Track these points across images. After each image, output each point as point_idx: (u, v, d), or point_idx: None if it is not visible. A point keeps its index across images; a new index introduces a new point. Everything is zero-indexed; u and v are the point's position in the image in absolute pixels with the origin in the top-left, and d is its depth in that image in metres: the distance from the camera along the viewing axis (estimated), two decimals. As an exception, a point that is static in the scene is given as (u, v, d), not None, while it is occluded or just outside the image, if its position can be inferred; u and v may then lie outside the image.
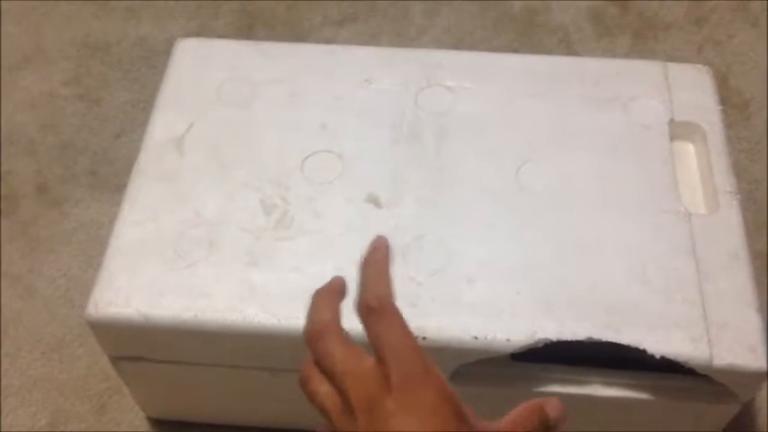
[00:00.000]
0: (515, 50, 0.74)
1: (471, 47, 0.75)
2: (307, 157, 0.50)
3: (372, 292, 0.30)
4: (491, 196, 0.48)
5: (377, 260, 0.32)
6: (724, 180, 0.49)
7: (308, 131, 0.51)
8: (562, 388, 0.45)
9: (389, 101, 0.53)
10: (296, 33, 0.76)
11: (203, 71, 0.54)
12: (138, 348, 0.46)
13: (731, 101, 0.70)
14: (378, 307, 0.30)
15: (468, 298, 0.44)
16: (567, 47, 0.75)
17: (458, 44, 0.75)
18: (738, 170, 0.50)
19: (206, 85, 0.53)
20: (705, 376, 0.43)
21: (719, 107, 0.52)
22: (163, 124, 0.51)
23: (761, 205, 0.64)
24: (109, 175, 0.67)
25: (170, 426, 0.54)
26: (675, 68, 0.54)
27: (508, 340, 0.43)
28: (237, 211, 0.47)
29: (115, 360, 0.47)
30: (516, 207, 0.48)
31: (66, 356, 0.58)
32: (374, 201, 0.48)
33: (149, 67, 0.74)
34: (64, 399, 0.56)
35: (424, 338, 0.43)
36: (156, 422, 0.54)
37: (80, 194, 0.66)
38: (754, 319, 0.43)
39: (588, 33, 0.76)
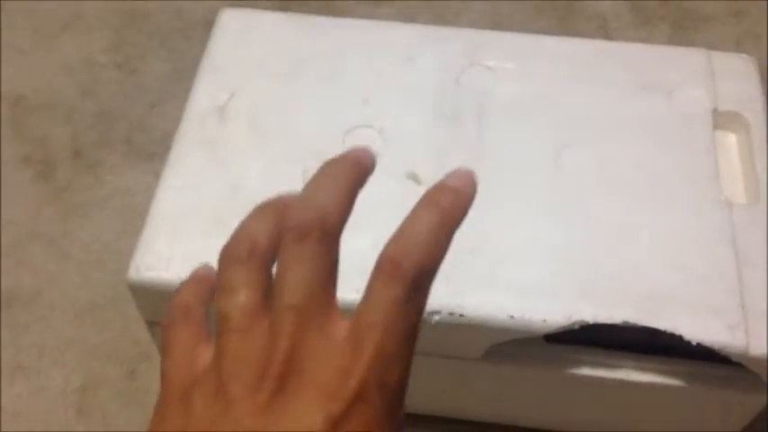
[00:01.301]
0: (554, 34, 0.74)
1: (509, 29, 0.75)
2: (348, 131, 0.50)
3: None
4: (530, 178, 0.48)
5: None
6: (766, 171, 0.48)
7: (349, 106, 0.51)
8: (594, 371, 0.46)
9: (431, 79, 0.52)
10: (331, 11, 0.76)
11: (246, 41, 0.54)
12: (176, 313, 0.46)
13: (770, 94, 0.70)
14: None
15: (506, 277, 0.44)
16: (606, 34, 0.75)
17: (495, 28, 0.75)
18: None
19: (249, 55, 0.53)
20: (740, 365, 0.43)
21: (764, 98, 0.51)
22: (205, 92, 0.51)
23: (796, 200, 0.64)
24: (143, 144, 0.68)
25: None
26: (719, 57, 0.53)
27: (544, 321, 0.43)
28: (278, 181, 0.47)
29: (152, 324, 0.48)
30: (555, 190, 0.48)
31: (99, 320, 0.58)
32: (414, 178, 0.48)
33: (186, 39, 0.74)
34: (96, 361, 0.57)
35: (461, 315, 0.43)
36: (186, 388, 0.55)
37: (115, 161, 0.67)
38: (792, 310, 0.43)
39: (627, 22, 0.76)
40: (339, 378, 0.21)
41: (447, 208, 0.24)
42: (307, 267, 0.23)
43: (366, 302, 0.23)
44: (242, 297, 0.24)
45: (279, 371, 0.22)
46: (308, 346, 0.22)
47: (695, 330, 0.42)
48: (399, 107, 0.51)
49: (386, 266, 0.23)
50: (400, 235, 0.23)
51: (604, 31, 0.75)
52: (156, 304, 0.46)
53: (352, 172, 0.27)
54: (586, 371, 0.46)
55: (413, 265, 0.22)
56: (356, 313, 0.23)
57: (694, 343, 0.42)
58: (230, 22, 0.54)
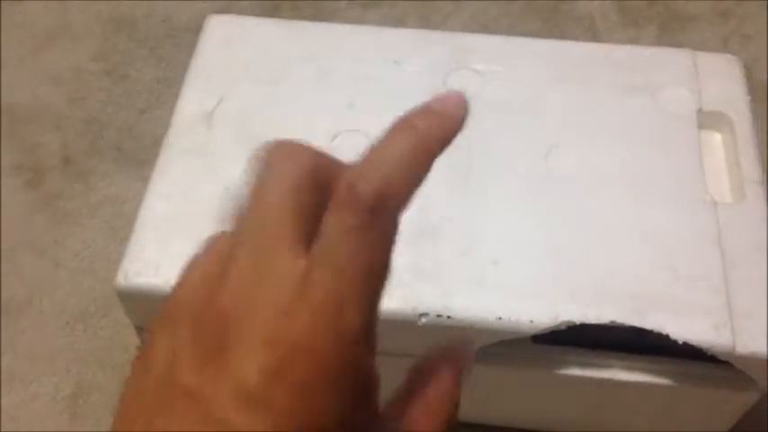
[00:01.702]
0: (541, 38, 0.74)
1: (497, 33, 0.75)
2: (335, 136, 0.50)
3: (387, 179, 0.20)
4: (518, 180, 0.49)
5: (418, 135, 0.21)
6: (750, 170, 0.49)
7: (336, 110, 0.51)
8: (582, 371, 0.46)
9: (418, 83, 0.53)
10: (321, 15, 0.77)
11: (233, 48, 0.54)
12: (165, 319, 0.46)
13: (756, 94, 0.70)
14: (378, 206, 0.20)
15: (494, 279, 0.45)
16: (593, 36, 0.75)
17: (483, 30, 0.75)
18: (764, 162, 0.50)
19: (235, 61, 0.53)
20: (727, 363, 0.43)
21: (748, 98, 0.52)
22: (192, 98, 0.51)
23: (784, 198, 0.64)
24: (133, 150, 0.68)
25: (191, 398, 0.54)
26: (704, 58, 0.54)
27: (532, 322, 0.43)
28: (266, 187, 0.48)
29: (141, 331, 0.48)
30: (543, 191, 0.48)
31: (90, 327, 0.58)
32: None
33: (175, 45, 0.75)
34: (87, 369, 0.57)
35: (449, 317, 0.43)
36: (177, 394, 0.55)
37: (105, 169, 0.67)
38: (778, 308, 0.43)
39: (614, 23, 0.76)
40: (280, 324, 0.19)
41: (424, 130, 0.22)
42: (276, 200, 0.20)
43: (319, 237, 0.20)
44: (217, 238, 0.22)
45: (216, 318, 0.19)
46: (252, 289, 0.19)
47: (682, 329, 0.43)
48: (386, 111, 0.51)
49: (340, 193, 0.20)
50: (362, 159, 0.21)
51: (592, 33, 0.75)
52: (144, 310, 0.46)
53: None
54: (574, 371, 0.46)
55: (372, 189, 0.19)
56: (312, 251, 0.20)
57: (681, 342, 0.42)
58: (217, 28, 0.55)
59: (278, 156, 0.22)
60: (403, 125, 0.22)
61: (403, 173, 0.21)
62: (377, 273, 0.20)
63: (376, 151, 0.21)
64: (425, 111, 0.22)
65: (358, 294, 0.19)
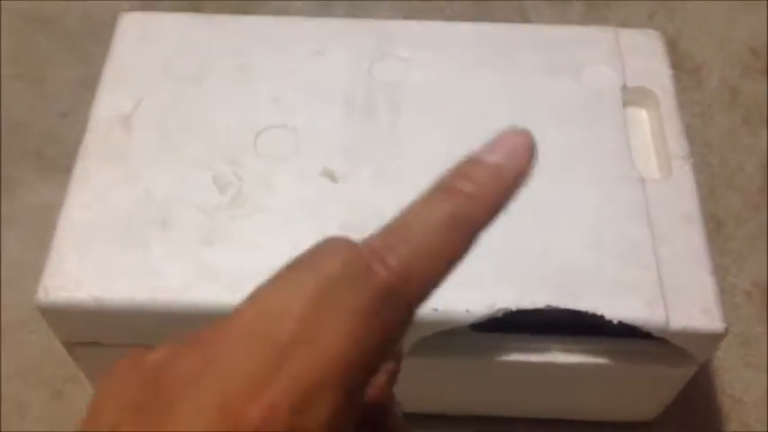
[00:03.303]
0: (470, 19, 0.74)
1: (425, 16, 0.74)
2: (260, 133, 0.49)
3: (408, 262, 0.17)
4: (446, 167, 0.48)
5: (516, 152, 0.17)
6: (677, 145, 0.49)
7: (259, 106, 0.50)
8: (522, 356, 0.46)
9: (342, 73, 0.52)
10: (246, 5, 0.75)
11: (150, 46, 0.52)
12: (93, 333, 0.45)
13: (683, 66, 0.71)
14: (393, 292, 0.17)
15: (427, 270, 0.44)
16: (521, 13, 0.75)
17: (411, 14, 0.74)
18: (691, 134, 0.50)
19: (153, 60, 0.51)
20: (662, 339, 0.43)
21: (671, 72, 0.52)
22: (109, 102, 0.50)
23: (713, 169, 0.65)
24: (56, 157, 0.65)
25: (129, 409, 0.53)
26: (626, 34, 0.54)
27: (468, 311, 0.43)
28: (190, 190, 0.46)
29: (69, 346, 0.46)
30: (472, 177, 0.48)
31: (19, 343, 0.56)
32: (329, 175, 0.47)
33: (96, 44, 0.72)
34: (18, 387, 0.54)
35: (383, 312, 0.42)
36: (114, 407, 0.53)
37: (26, 177, 0.64)
38: (708, 282, 0.44)
39: (541, 1, 0.76)
40: (245, 396, 0.16)
41: (471, 195, 0.17)
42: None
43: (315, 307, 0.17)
44: None
45: (172, 372, 0.17)
46: (227, 344, 0.17)
47: (615, 308, 0.43)
48: (311, 104, 0.50)
49: (356, 263, 0.17)
50: (388, 226, 0.17)
51: (520, 12, 0.75)
52: (70, 325, 0.44)
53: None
54: (514, 357, 0.46)
55: (388, 272, 0.17)
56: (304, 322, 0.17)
57: (615, 321, 0.43)
58: (131, 26, 0.53)
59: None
60: (445, 185, 0.18)
61: (431, 253, 0.17)
62: (366, 369, 0.17)
63: (406, 220, 0.17)
64: (475, 168, 0.18)
65: (337, 385, 0.16)
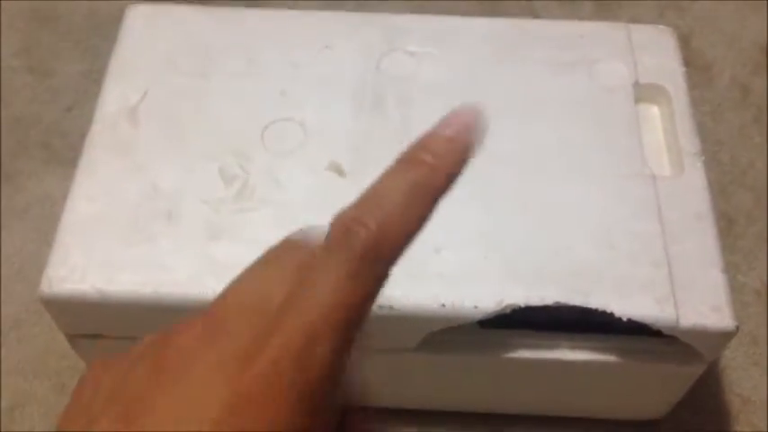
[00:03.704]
0: (477, 15, 0.73)
1: (433, 12, 0.73)
2: (267, 126, 0.48)
3: (382, 225, 0.19)
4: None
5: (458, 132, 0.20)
6: (688, 142, 0.48)
7: (267, 99, 0.50)
8: (530, 353, 0.45)
9: (350, 67, 0.51)
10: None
11: (157, 38, 0.52)
12: (96, 326, 0.44)
13: (694, 63, 0.70)
14: (371, 255, 0.19)
15: (435, 266, 0.44)
16: (531, 12, 0.74)
17: (419, 10, 0.74)
18: (702, 132, 0.50)
19: (160, 52, 0.51)
20: (672, 337, 0.43)
21: (683, 69, 0.51)
22: (115, 94, 0.49)
23: (724, 166, 0.64)
24: (62, 149, 0.65)
25: (133, 404, 0.53)
26: (638, 30, 0.53)
27: (476, 307, 0.42)
28: (196, 183, 0.46)
29: (72, 338, 0.46)
30: (481, 173, 0.47)
31: (23, 336, 0.56)
32: (337, 169, 0.47)
33: (101, 38, 0.72)
34: (23, 379, 0.54)
35: (391, 308, 0.42)
36: (118, 401, 0.53)
37: (33, 169, 0.64)
38: (719, 280, 0.43)
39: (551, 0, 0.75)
40: (249, 356, 0.18)
41: (431, 164, 0.20)
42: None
43: (307, 270, 0.19)
44: None
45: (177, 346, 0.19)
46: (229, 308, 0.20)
47: (625, 306, 0.42)
48: (319, 97, 0.50)
49: (333, 232, 0.19)
50: (361, 196, 0.20)
51: (529, 10, 0.75)
52: (73, 318, 0.44)
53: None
54: (522, 354, 0.45)
55: (366, 236, 0.19)
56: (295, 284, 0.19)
57: (625, 319, 0.42)
58: (138, 18, 0.52)
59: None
60: (408, 158, 0.20)
61: (403, 216, 0.19)
62: (356, 318, 0.19)
63: (375, 190, 0.20)
64: (433, 141, 0.21)
65: (332, 335, 0.18)
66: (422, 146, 0.21)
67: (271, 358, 0.18)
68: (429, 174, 0.20)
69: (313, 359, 0.18)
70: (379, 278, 0.19)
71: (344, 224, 0.19)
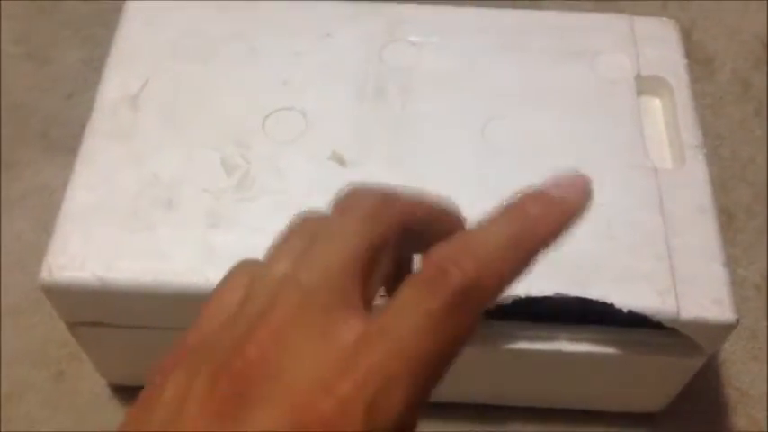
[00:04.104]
0: (480, 6, 0.73)
1: (435, 1, 0.73)
2: (268, 115, 0.48)
3: (482, 269, 0.18)
4: (457, 153, 0.47)
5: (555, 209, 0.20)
6: (690, 134, 0.48)
7: (268, 89, 0.49)
8: (530, 344, 0.45)
9: (352, 56, 0.51)
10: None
11: (158, 26, 0.51)
12: (96, 313, 0.44)
13: (695, 56, 0.70)
14: (465, 296, 0.18)
15: (435, 256, 0.43)
16: (533, 3, 0.74)
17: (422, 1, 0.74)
18: (702, 126, 0.50)
19: (160, 41, 0.51)
20: (672, 330, 0.43)
21: (685, 61, 0.51)
22: (116, 82, 0.49)
23: (725, 161, 0.64)
24: (61, 137, 0.65)
25: (131, 392, 0.52)
26: (641, 22, 0.53)
27: (476, 298, 0.42)
28: (197, 171, 0.46)
29: (72, 326, 0.46)
30: (483, 164, 0.47)
31: (22, 324, 0.56)
32: (338, 159, 0.47)
33: (102, 26, 0.71)
34: (21, 367, 0.54)
35: (390, 298, 0.42)
36: (116, 388, 0.53)
37: (31, 157, 0.64)
38: (720, 272, 0.43)
39: (552, -11, 0.75)
40: (317, 392, 0.17)
41: (535, 219, 0.19)
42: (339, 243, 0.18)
43: (388, 309, 0.18)
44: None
45: (244, 368, 0.17)
46: (295, 342, 0.17)
47: (626, 298, 0.42)
48: (320, 87, 0.50)
49: (427, 270, 0.18)
50: (458, 238, 0.19)
51: (531, 0, 0.74)
52: (73, 306, 0.44)
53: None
54: (522, 345, 0.45)
55: (464, 277, 0.18)
56: (374, 321, 0.18)
57: (626, 311, 0.42)
58: (139, 6, 0.52)
59: (367, 203, 0.20)
60: (512, 209, 0.20)
61: (501, 264, 0.19)
62: (439, 366, 0.18)
63: (476, 234, 0.19)
64: (541, 197, 0.20)
65: (411, 380, 0.17)
66: (530, 198, 0.20)
67: (342, 397, 0.17)
68: (533, 226, 0.19)
69: (387, 407, 0.17)
70: (470, 324, 0.19)
71: (439, 263, 0.18)
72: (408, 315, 0.18)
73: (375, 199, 0.21)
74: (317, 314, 0.18)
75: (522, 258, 0.19)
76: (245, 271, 0.21)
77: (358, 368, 0.17)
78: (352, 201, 0.21)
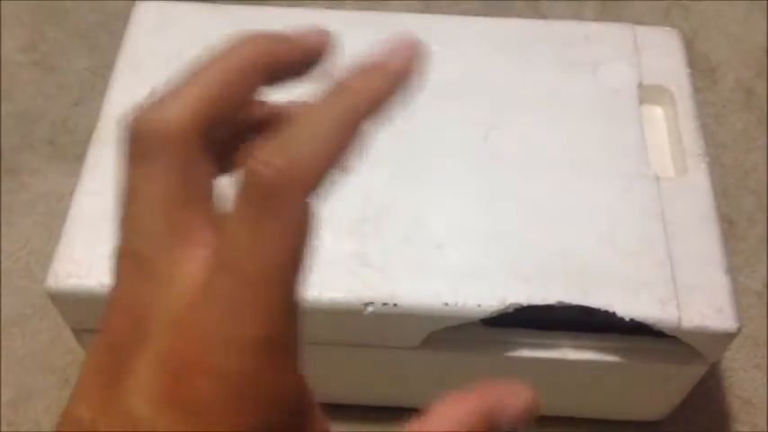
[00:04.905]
0: (483, 15, 0.73)
1: (438, 11, 0.74)
2: (272, 123, 0.48)
3: (292, 157, 0.17)
4: (459, 162, 0.48)
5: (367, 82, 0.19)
6: (692, 143, 0.49)
7: (273, 98, 0.50)
8: (532, 352, 0.45)
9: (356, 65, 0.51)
10: (260, -3, 0.75)
11: (164, 34, 0.52)
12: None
13: (698, 65, 0.70)
14: (278, 192, 0.17)
15: (438, 264, 0.44)
16: (535, 11, 0.75)
17: (425, 9, 0.74)
18: (705, 134, 0.50)
19: (168, 48, 0.51)
20: (674, 338, 0.43)
21: (688, 70, 0.52)
22: (123, 90, 0.50)
23: (727, 169, 0.64)
24: (67, 145, 0.65)
25: (136, 398, 0.53)
26: (644, 31, 0.54)
27: (479, 306, 0.43)
28: (202, 179, 0.46)
29: (78, 333, 0.46)
30: (485, 172, 0.47)
31: (28, 330, 0.56)
32: (341, 167, 0.47)
33: (108, 33, 0.72)
34: (27, 373, 0.54)
35: (395, 305, 0.42)
36: (122, 395, 0.53)
37: (38, 164, 0.64)
38: (722, 281, 0.43)
39: (556, 1, 0.76)
40: (174, 340, 0.16)
41: (356, 90, 0.18)
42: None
43: (223, 232, 0.17)
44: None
45: (119, 337, 0.17)
46: (150, 295, 0.17)
47: (628, 306, 0.42)
48: (325, 96, 0.50)
49: (244, 176, 0.17)
50: (277, 132, 0.17)
51: (534, 9, 0.75)
52: (79, 312, 0.44)
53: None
54: (525, 352, 0.46)
55: (271, 172, 0.17)
56: (213, 252, 0.17)
57: (627, 319, 0.42)
58: (146, 15, 0.53)
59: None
60: (333, 86, 0.19)
61: (315, 147, 0.17)
62: (281, 271, 0.17)
63: (293, 122, 0.18)
64: (362, 67, 0.19)
65: (259, 299, 0.16)
66: (351, 72, 0.19)
67: (199, 338, 0.17)
68: (353, 99, 0.18)
69: (243, 332, 0.16)
70: (298, 216, 0.17)
71: (251, 166, 0.17)
72: (234, 232, 0.17)
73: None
74: (157, 271, 0.18)
75: (342, 135, 0.18)
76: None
77: (207, 308, 0.17)
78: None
